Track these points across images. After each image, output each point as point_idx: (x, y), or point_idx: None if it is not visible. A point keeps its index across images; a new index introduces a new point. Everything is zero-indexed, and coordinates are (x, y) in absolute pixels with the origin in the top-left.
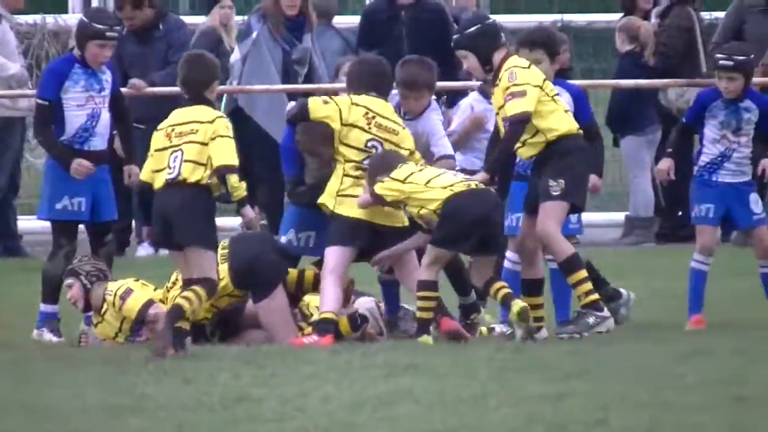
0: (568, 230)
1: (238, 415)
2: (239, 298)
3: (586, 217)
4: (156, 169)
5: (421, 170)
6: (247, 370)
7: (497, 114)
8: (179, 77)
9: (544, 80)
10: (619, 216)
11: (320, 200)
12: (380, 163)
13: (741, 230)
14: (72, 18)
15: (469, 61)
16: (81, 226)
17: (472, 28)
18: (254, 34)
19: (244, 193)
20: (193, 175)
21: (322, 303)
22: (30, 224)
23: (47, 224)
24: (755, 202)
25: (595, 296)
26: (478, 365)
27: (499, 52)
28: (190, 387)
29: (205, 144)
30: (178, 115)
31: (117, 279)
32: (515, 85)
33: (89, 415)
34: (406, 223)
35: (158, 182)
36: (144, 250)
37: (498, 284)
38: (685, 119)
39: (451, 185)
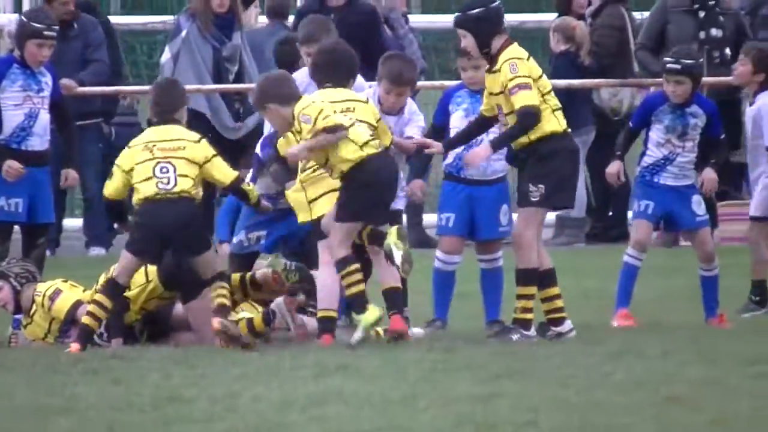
0: (498, 234)
1: (168, 416)
2: (168, 300)
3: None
4: (138, 180)
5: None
6: (178, 371)
7: (487, 98)
8: (152, 99)
9: (540, 75)
10: (551, 216)
11: (300, 221)
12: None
13: (684, 231)
14: (2, 17)
15: (467, 40)
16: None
17: (476, 10)
18: (183, 33)
19: (258, 193)
20: (192, 188)
21: (321, 300)
22: None
23: None
24: (698, 203)
25: (530, 316)
26: (408, 366)
27: (499, 38)
28: (121, 387)
29: (194, 162)
30: (156, 132)
31: (46, 280)
32: (518, 77)
33: (18, 415)
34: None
35: (144, 192)
36: (96, 251)
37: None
38: (632, 124)
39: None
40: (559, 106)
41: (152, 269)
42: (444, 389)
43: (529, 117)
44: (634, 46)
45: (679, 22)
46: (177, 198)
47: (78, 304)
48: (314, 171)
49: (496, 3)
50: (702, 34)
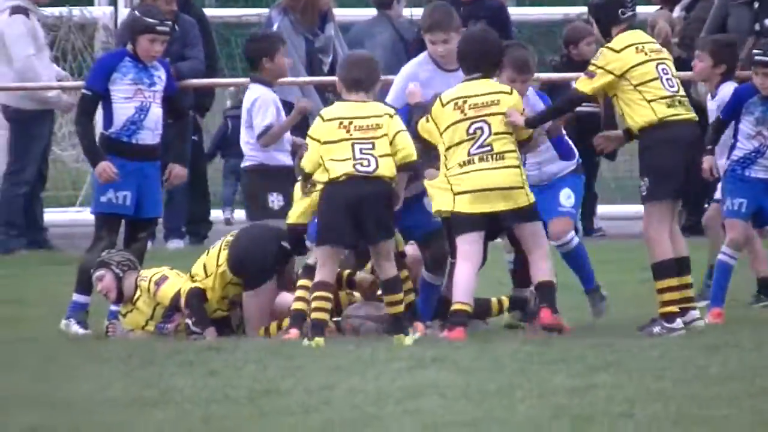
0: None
1: (264, 408)
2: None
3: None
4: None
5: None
6: (274, 362)
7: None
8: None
9: (633, 67)
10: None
11: (435, 210)
12: None
13: None
14: (97, 10)
15: (594, 27)
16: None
17: None
18: (275, 27)
19: None
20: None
21: (456, 293)
22: (56, 217)
23: (74, 217)
24: None
25: (670, 309)
26: (504, 358)
27: (618, 27)
28: (216, 379)
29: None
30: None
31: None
32: (592, 64)
33: (114, 408)
34: (523, 204)
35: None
36: (174, 244)
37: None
38: (722, 115)
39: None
40: (663, 95)
41: (224, 254)
42: (540, 381)
43: (568, 100)
44: (698, 41)
45: (737, 14)
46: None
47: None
48: (462, 167)
49: None
50: (757, 26)
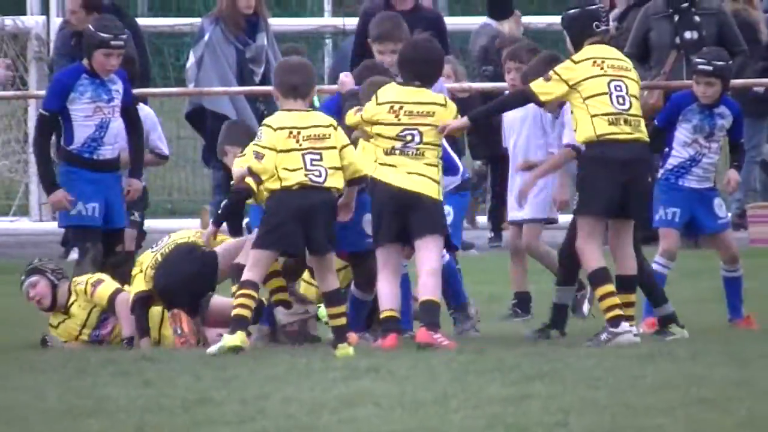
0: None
1: (198, 418)
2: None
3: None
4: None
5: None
6: (208, 372)
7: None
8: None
9: (585, 79)
10: None
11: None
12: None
13: (707, 235)
14: (29, 20)
15: (567, 40)
16: None
17: (573, 10)
18: (206, 37)
19: None
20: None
21: (382, 300)
22: None
23: (7, 226)
24: (719, 206)
25: (614, 312)
26: (439, 368)
27: (590, 40)
28: (151, 389)
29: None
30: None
31: None
32: (552, 70)
33: (49, 417)
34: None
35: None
36: None
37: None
38: (658, 122)
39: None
40: (607, 111)
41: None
42: (475, 390)
43: (515, 94)
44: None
45: (658, 28)
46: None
47: (118, 291)
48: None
49: (593, 7)
50: (677, 39)
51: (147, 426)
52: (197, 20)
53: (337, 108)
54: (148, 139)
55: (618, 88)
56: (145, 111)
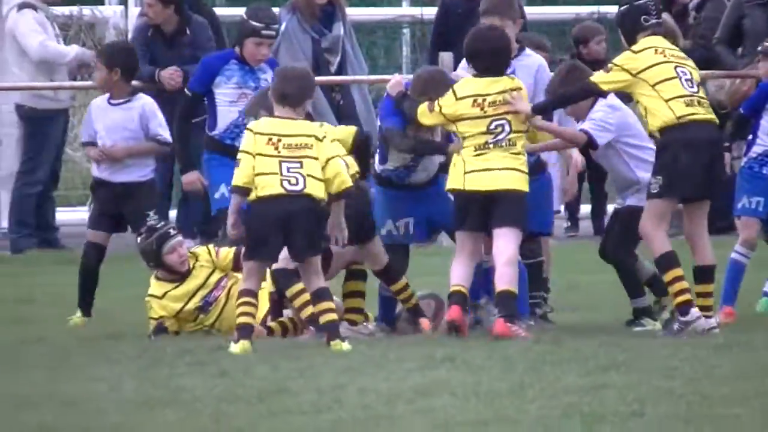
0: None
1: (274, 408)
2: None
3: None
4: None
5: None
6: (284, 362)
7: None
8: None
9: (649, 67)
10: None
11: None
12: None
13: None
14: (107, 9)
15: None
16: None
17: (623, 7)
18: (283, 26)
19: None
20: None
21: (453, 277)
22: (67, 216)
23: (85, 216)
24: None
25: (684, 297)
26: (515, 358)
27: (642, 34)
28: (227, 379)
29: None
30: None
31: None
32: (612, 62)
33: (125, 408)
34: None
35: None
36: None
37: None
38: (743, 110)
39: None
40: (681, 93)
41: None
42: (551, 380)
43: (579, 89)
44: (714, 41)
45: (753, 15)
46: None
47: (240, 248)
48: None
49: (641, 1)
50: None
51: (223, 416)
52: (275, 10)
53: (391, 109)
54: (148, 128)
55: (684, 73)
56: (142, 99)
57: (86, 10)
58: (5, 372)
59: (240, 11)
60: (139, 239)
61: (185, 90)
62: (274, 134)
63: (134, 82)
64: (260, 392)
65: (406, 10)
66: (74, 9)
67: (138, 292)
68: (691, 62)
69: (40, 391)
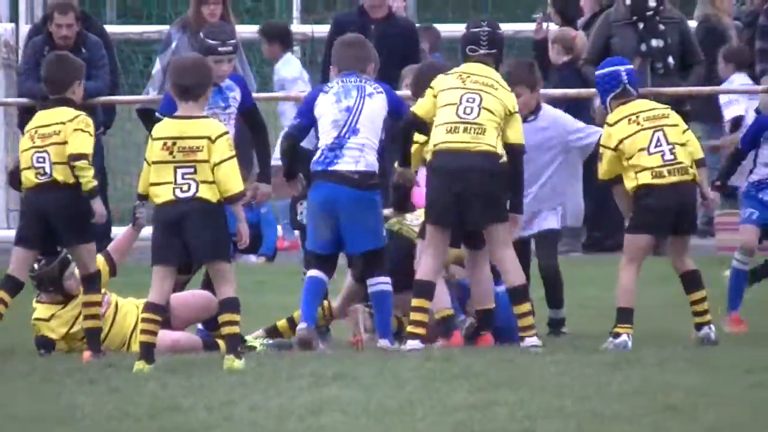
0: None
1: (165, 425)
2: None
3: None
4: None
5: None
6: (174, 380)
7: None
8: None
9: (442, 90)
10: None
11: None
12: None
13: None
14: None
15: None
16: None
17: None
18: (173, 45)
19: (94, 183)
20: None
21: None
22: None
23: None
24: None
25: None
26: (406, 375)
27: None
28: (118, 396)
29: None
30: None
31: None
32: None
33: (17, 424)
34: None
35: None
36: None
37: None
38: (741, 145)
39: None
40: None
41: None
42: (441, 398)
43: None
44: (581, 62)
45: (621, 35)
46: (47, 185)
47: None
48: None
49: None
50: (643, 46)
51: None
52: (166, 27)
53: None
54: None
55: (470, 101)
56: None
57: None
58: None
59: (131, 29)
60: (37, 266)
61: (157, 115)
62: (169, 137)
63: (25, 100)
64: (151, 410)
65: (297, 28)
66: None
67: (28, 309)
68: (491, 91)
69: None
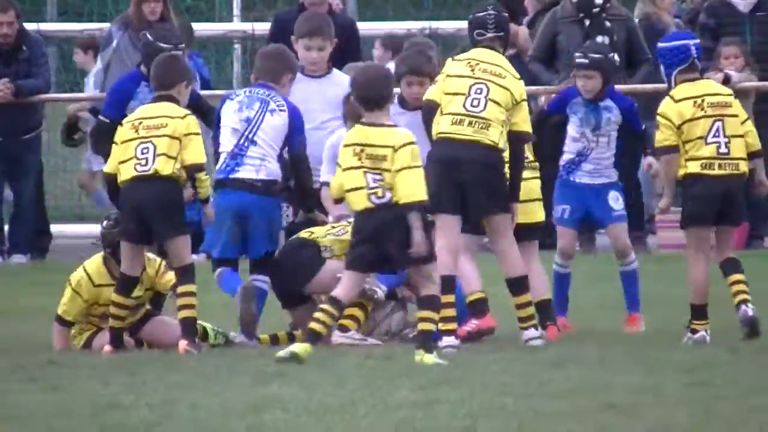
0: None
1: (106, 423)
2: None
3: None
4: (121, 159)
5: None
6: (116, 377)
7: None
8: (151, 74)
9: (449, 76)
10: None
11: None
12: None
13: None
14: None
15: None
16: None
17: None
18: (114, 43)
19: (210, 191)
20: (166, 168)
21: (467, 284)
22: None
23: None
24: (615, 199)
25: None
26: (347, 373)
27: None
28: (59, 394)
29: (175, 138)
30: (145, 110)
31: None
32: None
33: None
34: None
35: (122, 176)
36: (17, 258)
37: None
38: (547, 107)
39: None
40: (457, 111)
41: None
42: (383, 396)
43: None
44: (527, 58)
45: (567, 32)
46: (147, 177)
47: None
48: None
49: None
50: (588, 43)
51: (55, 431)
52: (107, 25)
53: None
54: None
55: (478, 92)
56: None
57: None
58: None
59: (71, 26)
60: (105, 223)
61: (100, 117)
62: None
63: None
64: (92, 407)
65: (237, 26)
66: None
67: None
68: (499, 81)
69: None
